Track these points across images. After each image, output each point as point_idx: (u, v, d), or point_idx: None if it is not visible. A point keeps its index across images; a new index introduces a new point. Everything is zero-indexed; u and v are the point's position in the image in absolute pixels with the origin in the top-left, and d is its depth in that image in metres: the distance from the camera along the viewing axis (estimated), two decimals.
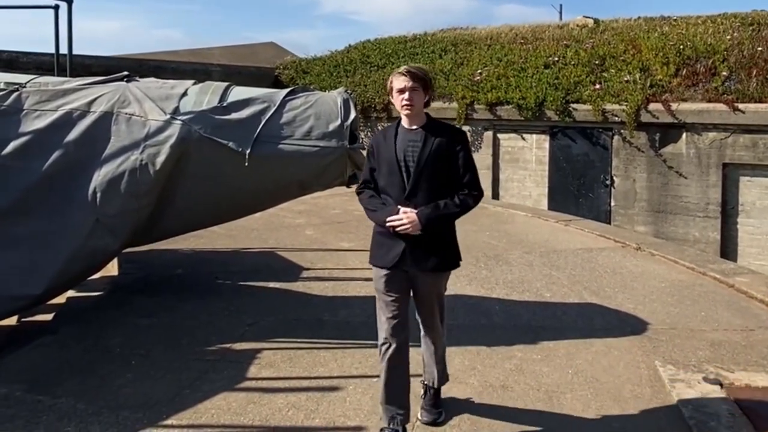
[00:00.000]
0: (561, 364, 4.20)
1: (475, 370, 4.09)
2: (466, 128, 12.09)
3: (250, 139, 4.50)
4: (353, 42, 16.32)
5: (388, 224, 3.09)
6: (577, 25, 13.86)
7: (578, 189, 11.20)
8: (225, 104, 4.65)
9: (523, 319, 5.05)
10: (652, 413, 3.59)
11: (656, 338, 4.66)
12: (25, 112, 4.47)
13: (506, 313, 5.17)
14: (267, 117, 4.60)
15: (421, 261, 3.15)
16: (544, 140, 11.55)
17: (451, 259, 3.28)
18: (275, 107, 4.64)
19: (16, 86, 4.67)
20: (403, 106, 3.11)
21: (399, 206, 3.11)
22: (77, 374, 3.91)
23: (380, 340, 3.22)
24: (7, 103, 4.46)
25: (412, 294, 3.29)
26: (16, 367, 4.01)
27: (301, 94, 4.80)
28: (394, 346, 3.18)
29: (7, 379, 3.82)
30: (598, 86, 11.18)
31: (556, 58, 12.25)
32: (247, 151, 4.47)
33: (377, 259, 3.22)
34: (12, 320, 4.84)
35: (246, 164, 4.48)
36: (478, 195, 3.21)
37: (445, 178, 3.14)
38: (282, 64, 15.96)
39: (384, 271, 3.19)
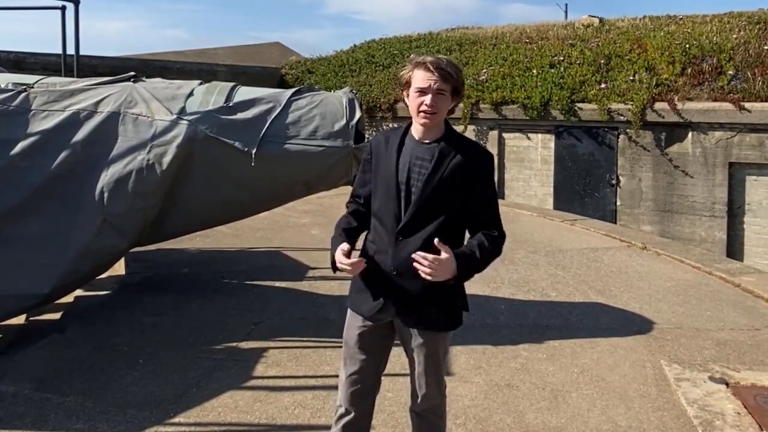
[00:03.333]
0: (566, 363, 4.20)
1: (480, 369, 4.09)
2: (471, 128, 12.11)
3: (256, 139, 4.53)
4: (358, 42, 16.36)
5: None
6: (583, 25, 13.84)
7: (584, 188, 11.18)
8: (231, 104, 4.67)
9: (529, 319, 5.05)
10: (657, 412, 3.59)
11: (662, 337, 4.66)
12: (33, 112, 4.50)
13: (512, 313, 5.18)
14: (273, 117, 4.62)
15: (409, 315, 2.41)
16: (550, 140, 11.54)
17: (452, 315, 2.47)
18: (281, 107, 4.66)
19: (24, 87, 4.70)
20: (421, 112, 2.30)
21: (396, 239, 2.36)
22: (85, 373, 3.94)
23: (337, 401, 2.61)
24: (15, 103, 4.50)
25: (404, 350, 2.57)
26: (24, 365, 4.03)
27: (306, 94, 4.82)
28: (351, 416, 2.56)
29: (16, 377, 3.85)
30: (603, 85, 11.16)
31: (562, 58, 12.23)
32: (253, 151, 4.50)
33: (355, 303, 2.52)
34: (20, 319, 4.87)
35: (252, 164, 4.51)
36: (503, 238, 2.45)
37: (454, 213, 2.36)
38: (287, 64, 16.00)
39: (360, 321, 2.49)
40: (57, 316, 5.06)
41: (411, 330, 2.44)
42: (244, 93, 4.83)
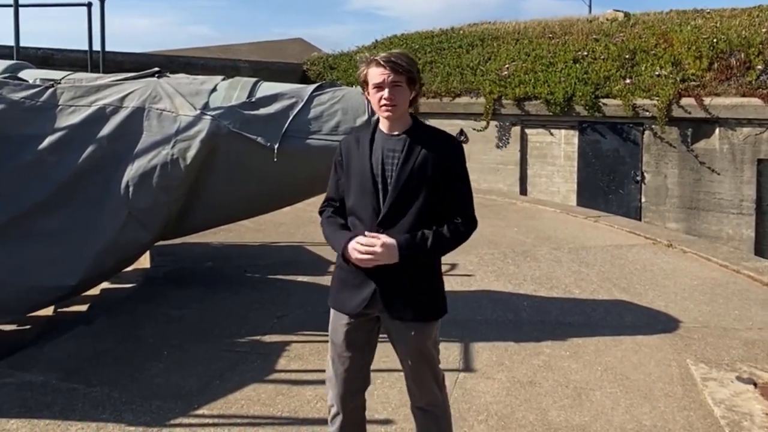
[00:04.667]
0: (590, 361, 4.16)
1: (502, 366, 4.07)
2: (493, 123, 12.05)
3: (278, 134, 4.54)
4: (380, 38, 16.33)
5: (352, 252, 2.33)
6: (607, 19, 13.67)
7: (608, 185, 11.06)
8: (253, 99, 4.69)
9: (552, 316, 5.01)
10: (683, 412, 3.54)
11: (688, 336, 4.59)
12: (60, 107, 4.56)
13: (534, 309, 5.14)
14: (295, 112, 4.63)
15: (397, 307, 2.41)
16: (573, 135, 11.43)
17: (438, 304, 2.50)
18: (303, 102, 4.67)
19: (52, 82, 4.76)
20: (382, 106, 2.37)
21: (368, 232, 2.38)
22: (111, 364, 4.00)
23: (328, 401, 2.61)
24: (43, 98, 4.56)
25: (393, 347, 2.55)
26: (52, 356, 4.11)
27: (328, 90, 4.82)
28: (345, 414, 2.55)
29: (44, 367, 3.92)
30: (628, 81, 11.02)
31: (586, 53, 12.10)
32: (276, 146, 4.51)
33: (338, 302, 2.50)
34: (48, 310, 4.97)
35: (274, 159, 4.53)
36: (472, 225, 2.46)
37: (432, 200, 2.39)
38: (309, 60, 16.04)
39: (345, 319, 2.47)
40: (84, 308, 5.15)
41: (399, 323, 2.44)
42: (267, 88, 4.85)
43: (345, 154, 2.51)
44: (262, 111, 4.64)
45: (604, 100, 11.00)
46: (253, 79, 5.00)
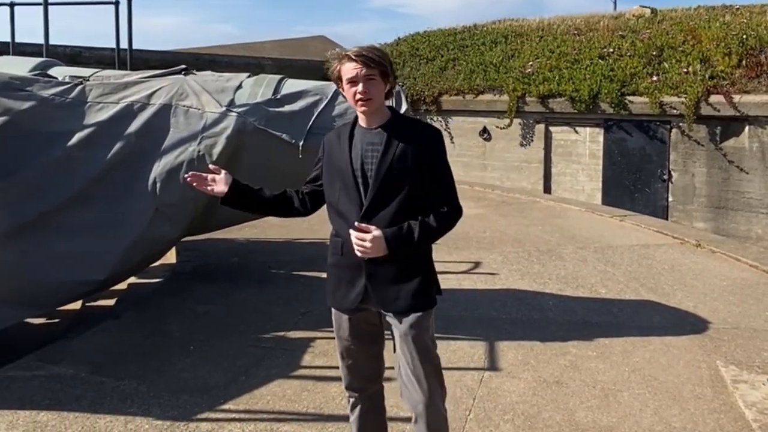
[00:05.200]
0: (617, 362, 4.11)
1: (528, 365, 4.04)
2: (516, 121, 11.94)
3: (303, 130, 4.55)
4: (402, 35, 16.28)
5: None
6: (634, 15, 13.46)
7: (634, 183, 10.90)
8: (278, 96, 4.71)
9: (578, 315, 4.95)
10: (713, 414, 3.48)
11: (718, 338, 4.51)
12: (88, 104, 4.62)
13: (560, 309, 5.09)
14: (320, 109, 4.64)
15: (389, 300, 2.42)
16: (598, 133, 11.29)
17: (429, 294, 2.48)
18: (327, 99, 4.68)
19: (80, 80, 4.83)
20: (357, 101, 2.36)
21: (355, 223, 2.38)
22: (139, 358, 4.04)
23: (345, 392, 2.65)
24: (72, 95, 4.62)
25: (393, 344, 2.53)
26: (81, 349, 4.17)
27: None
28: (364, 402, 2.59)
29: (74, 360, 3.98)
30: (655, 78, 10.84)
31: (611, 49, 11.93)
32: (301, 143, 4.52)
33: (335, 300, 2.52)
34: (76, 304, 5.04)
35: (299, 156, 4.53)
36: (457, 213, 2.46)
37: (414, 191, 2.38)
38: (332, 57, 16.07)
39: (345, 316, 2.51)
40: (112, 302, 5.23)
41: (394, 316, 2.44)
42: (292, 85, 4.87)
43: (327, 151, 2.54)
44: (287, 108, 4.65)
45: (631, 98, 10.84)
46: (278, 77, 5.02)
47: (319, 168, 2.58)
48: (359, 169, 2.41)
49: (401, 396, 2.51)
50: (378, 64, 2.36)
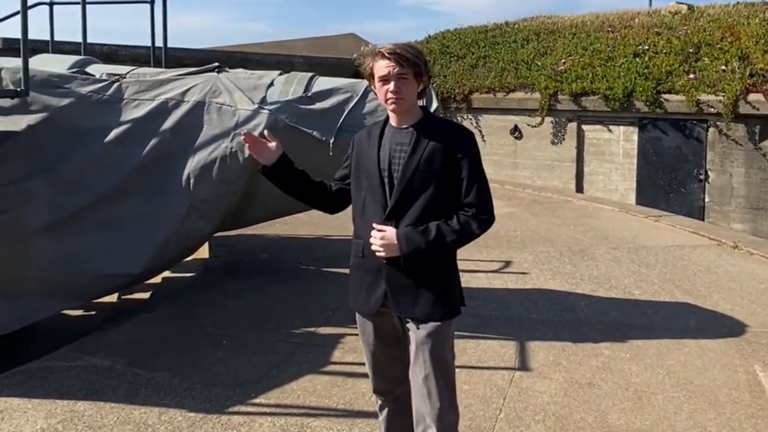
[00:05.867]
0: (651, 364, 4.04)
1: (560, 366, 4.00)
2: (548, 119, 11.81)
3: (333, 128, 4.57)
4: (433, 32, 16.21)
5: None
6: (670, 12, 13.19)
7: (669, 183, 10.70)
8: (310, 94, 4.73)
9: (611, 316, 4.88)
10: (750, 420, 3.40)
11: (755, 341, 4.40)
12: (125, 101, 4.70)
13: (592, 310, 5.02)
14: (350, 106, 4.65)
15: (408, 306, 2.34)
16: (632, 132, 11.10)
17: (449, 303, 2.37)
18: (358, 97, 4.68)
19: (117, 77, 4.91)
20: (388, 99, 2.31)
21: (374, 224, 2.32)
22: (173, 351, 4.11)
23: (374, 395, 2.64)
24: (109, 93, 4.71)
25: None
26: (117, 341, 4.26)
27: None
28: (391, 404, 2.54)
29: (110, 352, 4.06)
30: (692, 76, 10.61)
31: (647, 47, 11.71)
32: (331, 140, 4.54)
33: (357, 304, 2.48)
34: (112, 297, 5.15)
35: (330, 153, 4.55)
36: (486, 219, 2.33)
37: (441, 194, 2.31)
38: (362, 55, 16.09)
39: (368, 320, 2.46)
40: (146, 295, 5.32)
41: (412, 323, 2.35)
42: (323, 83, 4.89)
43: (356, 148, 2.48)
44: (318, 105, 4.67)
45: (666, 96, 10.63)
46: (309, 74, 5.04)
47: (347, 166, 2.53)
48: (386, 170, 2.35)
49: (412, 402, 2.40)
50: (411, 63, 2.30)
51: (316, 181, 2.58)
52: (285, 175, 2.54)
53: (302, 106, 4.66)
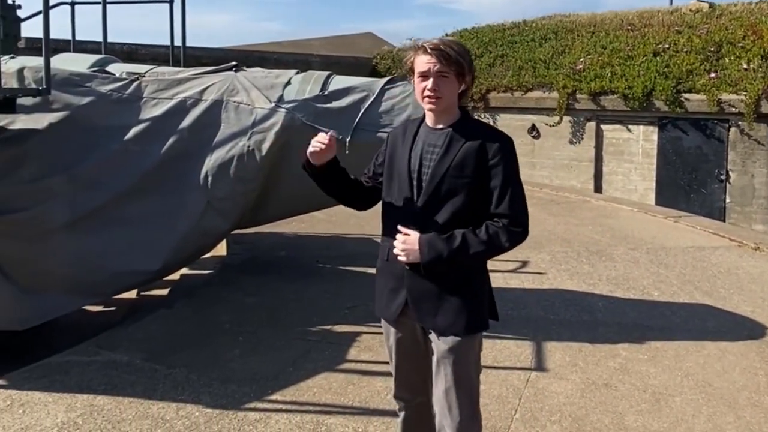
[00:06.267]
0: (669, 366, 4.00)
1: (576, 367, 3.97)
2: (566, 119, 11.73)
3: (350, 127, 4.58)
4: (450, 31, 16.17)
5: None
6: (690, 10, 13.03)
7: (689, 184, 10.57)
8: (326, 93, 4.74)
9: (629, 317, 4.84)
10: None
11: None
12: (144, 99, 4.75)
13: (610, 310, 4.98)
14: (366, 105, 4.65)
15: (427, 316, 2.24)
16: (652, 132, 10.98)
17: (475, 316, 2.25)
18: (374, 96, 4.68)
19: (136, 76, 4.96)
20: (425, 97, 2.20)
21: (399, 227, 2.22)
22: (191, 347, 4.14)
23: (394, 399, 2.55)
24: (128, 91, 4.76)
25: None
26: (136, 337, 4.30)
27: (399, 83, 4.82)
28: (409, 410, 2.47)
29: (129, 347, 4.11)
30: (713, 75, 10.48)
31: (667, 45, 11.59)
32: (347, 139, 4.54)
33: (379, 309, 2.41)
34: (132, 293, 5.21)
35: (346, 152, 4.56)
36: (518, 232, 2.18)
37: (471, 201, 2.19)
38: (379, 54, 16.08)
39: (390, 325, 2.39)
40: (165, 292, 5.39)
41: (434, 335, 2.26)
42: (339, 82, 4.89)
43: (390, 146, 2.38)
44: (335, 104, 4.68)
45: (687, 95, 10.51)
46: (326, 73, 5.05)
47: (381, 164, 2.42)
48: (416, 171, 2.24)
49: (435, 410, 2.34)
50: (454, 61, 2.17)
51: (352, 179, 2.48)
52: (331, 175, 2.43)
53: (318, 105, 4.67)
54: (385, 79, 4.89)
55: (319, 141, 2.32)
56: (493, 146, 2.20)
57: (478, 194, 2.19)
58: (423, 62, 2.19)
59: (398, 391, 2.48)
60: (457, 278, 2.23)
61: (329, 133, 2.33)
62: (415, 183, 2.24)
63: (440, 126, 2.27)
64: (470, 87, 2.27)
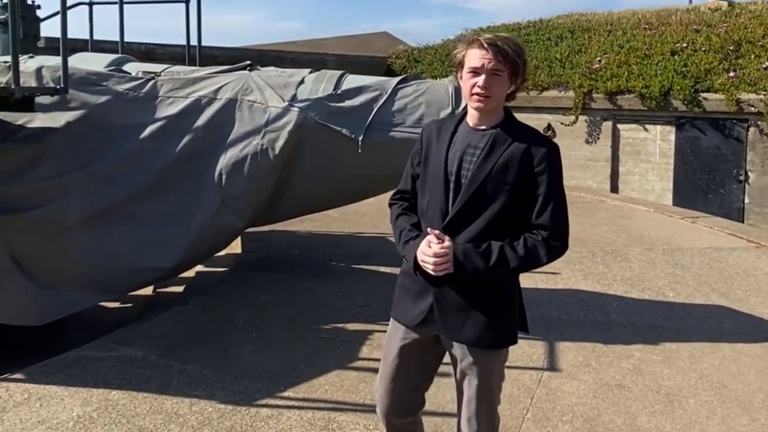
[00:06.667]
0: (684, 367, 3.96)
1: (589, 367, 3.95)
2: (582, 118, 11.65)
3: (362, 125, 4.59)
4: (466, 30, 16.10)
5: (420, 261, 2.08)
6: (709, 9, 12.88)
7: (707, 184, 10.45)
8: (339, 92, 4.75)
9: (643, 318, 4.80)
10: None
11: None
12: (160, 98, 4.80)
13: (624, 311, 4.94)
14: (379, 104, 4.66)
15: (456, 327, 2.12)
16: (670, 132, 10.87)
17: (504, 329, 2.15)
18: (387, 95, 4.69)
19: (152, 75, 5.02)
20: (473, 95, 2.06)
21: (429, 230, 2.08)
22: (205, 343, 4.18)
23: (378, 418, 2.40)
24: (144, 90, 4.81)
25: (453, 373, 2.26)
26: (151, 333, 4.34)
27: (412, 82, 4.82)
28: None
29: (144, 343, 4.15)
30: (732, 74, 10.35)
31: (685, 44, 11.47)
32: (360, 138, 4.56)
33: (398, 311, 2.27)
34: (148, 290, 5.26)
35: (359, 150, 4.57)
36: (558, 247, 2.08)
37: (510, 210, 2.06)
38: (394, 54, 16.08)
39: (402, 332, 2.23)
40: (180, 289, 5.43)
41: (459, 346, 2.14)
42: (352, 81, 4.91)
43: (425, 144, 2.22)
44: (348, 103, 4.69)
45: (705, 95, 10.39)
46: (339, 72, 5.06)
47: (418, 164, 2.24)
48: (453, 173, 2.10)
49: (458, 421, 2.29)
50: (510, 59, 2.04)
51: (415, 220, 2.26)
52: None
53: (332, 104, 4.69)
54: (398, 78, 4.90)
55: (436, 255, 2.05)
56: (539, 152, 2.07)
57: (518, 202, 2.06)
58: (476, 57, 2.05)
59: (383, 408, 2.32)
60: (489, 289, 2.12)
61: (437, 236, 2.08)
62: (451, 186, 2.10)
63: (483, 127, 2.13)
64: (519, 89, 2.13)
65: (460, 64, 2.11)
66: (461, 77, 2.12)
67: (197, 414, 3.32)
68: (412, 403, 2.33)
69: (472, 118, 2.15)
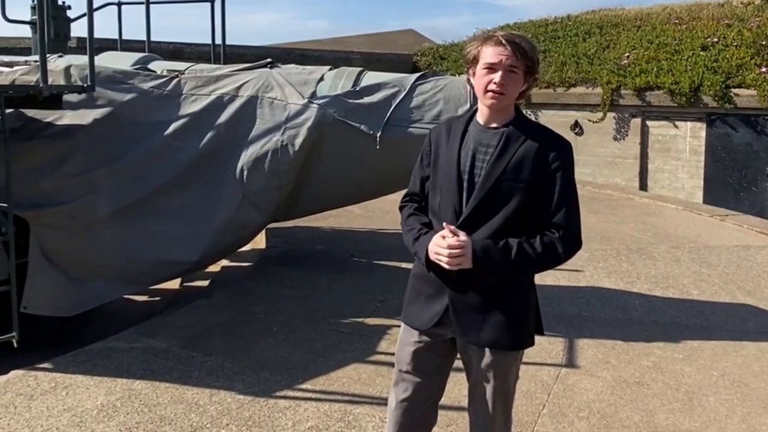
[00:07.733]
0: (705, 365, 3.91)
1: (608, 364, 3.92)
2: (611, 115, 11.49)
3: (381, 122, 4.61)
4: (492, 27, 16.02)
5: (432, 255, 2.05)
6: (741, 3, 12.58)
7: (739, 182, 10.23)
8: (358, 89, 4.79)
9: (666, 316, 4.74)
10: None
11: None
12: (183, 96, 4.89)
13: (646, 309, 4.89)
14: (397, 101, 4.68)
15: (472, 329, 2.09)
16: (700, 128, 10.66)
17: (521, 331, 2.13)
18: (405, 91, 4.71)
19: (176, 73, 5.12)
20: (488, 92, 2.04)
21: (445, 224, 2.05)
22: (226, 335, 4.26)
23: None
24: (168, 88, 4.91)
25: (466, 376, 2.25)
26: (175, 325, 4.44)
27: (430, 79, 4.83)
28: None
29: (168, 335, 4.25)
30: (764, 69, 10.11)
31: (716, 39, 11.23)
32: (378, 134, 4.58)
33: (408, 315, 2.22)
34: (175, 284, 5.38)
35: (377, 147, 4.60)
36: (573, 243, 2.08)
37: (524, 209, 2.05)
38: (420, 51, 16.06)
39: (415, 337, 2.19)
40: (206, 283, 5.54)
41: (474, 348, 2.12)
42: (371, 78, 4.94)
43: (434, 145, 2.20)
44: (366, 100, 4.73)
45: (736, 91, 10.17)
46: (358, 69, 5.10)
47: (427, 165, 2.22)
48: (466, 172, 2.08)
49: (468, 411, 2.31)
50: (528, 58, 2.03)
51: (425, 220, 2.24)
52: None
53: (350, 101, 4.73)
54: (416, 75, 4.92)
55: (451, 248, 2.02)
56: (553, 151, 2.06)
57: (532, 200, 2.05)
58: (493, 53, 2.03)
59: (397, 425, 2.27)
60: (506, 289, 2.10)
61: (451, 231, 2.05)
62: (465, 185, 2.08)
63: (494, 125, 2.11)
64: (531, 88, 2.13)
65: (474, 61, 2.09)
66: (473, 74, 2.10)
67: (217, 404, 3.39)
68: (427, 412, 2.29)
69: (483, 116, 2.14)
